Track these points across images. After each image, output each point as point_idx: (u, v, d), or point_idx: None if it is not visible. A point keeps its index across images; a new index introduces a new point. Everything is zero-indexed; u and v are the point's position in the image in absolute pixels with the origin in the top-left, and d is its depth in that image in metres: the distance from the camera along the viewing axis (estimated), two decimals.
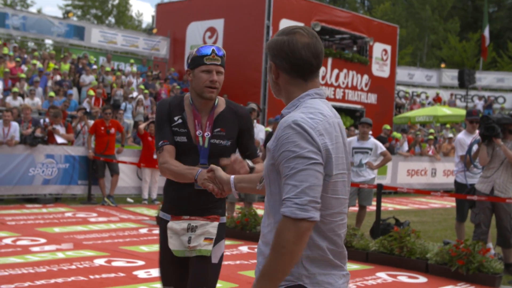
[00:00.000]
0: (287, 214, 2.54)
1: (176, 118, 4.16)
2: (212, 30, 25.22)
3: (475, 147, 9.61)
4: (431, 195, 12.67)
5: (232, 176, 3.48)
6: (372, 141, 11.87)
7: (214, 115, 4.19)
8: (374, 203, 11.85)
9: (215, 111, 4.21)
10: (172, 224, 4.13)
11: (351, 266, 8.92)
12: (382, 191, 10.73)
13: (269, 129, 15.80)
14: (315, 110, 2.72)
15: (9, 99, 18.22)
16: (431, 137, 23.33)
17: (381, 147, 11.89)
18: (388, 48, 28.97)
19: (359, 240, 9.63)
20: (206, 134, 4.14)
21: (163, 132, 4.13)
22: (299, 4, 25.20)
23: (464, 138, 10.31)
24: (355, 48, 28.05)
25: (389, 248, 9.12)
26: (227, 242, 9.75)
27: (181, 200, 4.14)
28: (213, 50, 4.08)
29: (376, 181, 12.26)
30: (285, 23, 24.24)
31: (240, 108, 4.31)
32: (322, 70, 25.71)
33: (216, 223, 4.15)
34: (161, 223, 4.24)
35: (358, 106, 27.51)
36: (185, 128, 4.14)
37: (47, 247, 9.43)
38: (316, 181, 2.59)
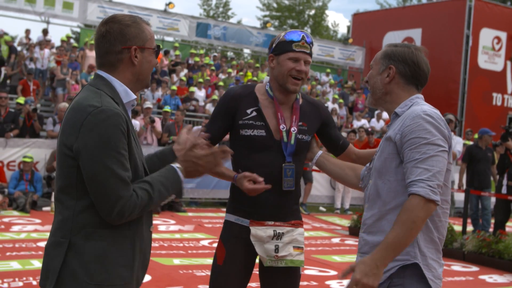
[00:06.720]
0: (421, 194, 2.77)
1: (249, 111, 3.72)
2: (409, 40, 24.73)
3: None
4: None
5: (320, 151, 3.80)
6: None
7: (298, 108, 3.79)
8: None
9: (298, 104, 3.82)
10: (256, 231, 3.67)
11: None
12: None
13: (467, 141, 15.16)
14: (432, 107, 3.01)
15: (209, 106, 18.95)
16: None
17: None
18: None
19: None
20: (292, 129, 3.71)
21: (211, 126, 3.74)
22: (501, 12, 24.10)
23: None
24: None
25: None
26: None
27: (263, 203, 3.69)
28: (303, 37, 3.66)
29: None
30: (486, 32, 23.36)
31: (316, 100, 3.97)
32: None
33: (302, 230, 3.76)
34: (234, 229, 3.78)
35: None
36: (262, 121, 3.70)
37: None
38: (443, 167, 2.86)
